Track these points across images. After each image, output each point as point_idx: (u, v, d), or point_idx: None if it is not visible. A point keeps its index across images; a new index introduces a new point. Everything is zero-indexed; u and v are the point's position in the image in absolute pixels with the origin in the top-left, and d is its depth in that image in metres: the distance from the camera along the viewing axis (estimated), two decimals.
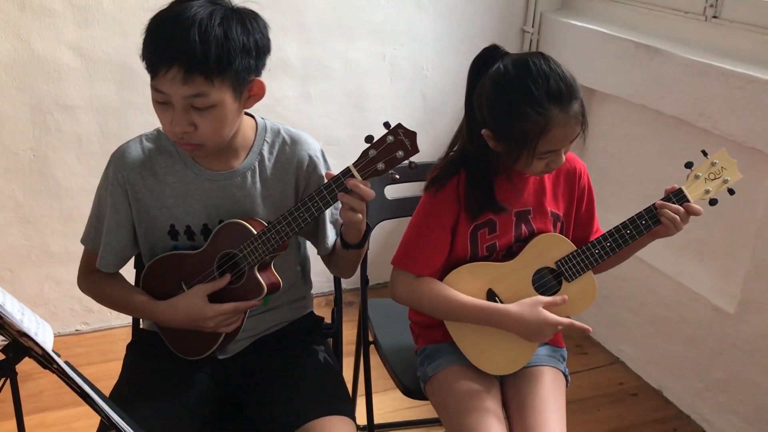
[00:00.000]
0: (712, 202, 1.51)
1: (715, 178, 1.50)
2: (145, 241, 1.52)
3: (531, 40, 2.90)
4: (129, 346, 1.62)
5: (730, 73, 2.07)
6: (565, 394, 1.57)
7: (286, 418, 1.42)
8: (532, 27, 2.89)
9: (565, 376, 1.61)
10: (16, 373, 1.06)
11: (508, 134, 1.41)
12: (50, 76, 2.37)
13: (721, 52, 2.20)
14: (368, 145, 1.32)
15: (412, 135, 1.30)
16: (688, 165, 1.51)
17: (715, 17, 2.24)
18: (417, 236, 1.53)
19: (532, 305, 1.49)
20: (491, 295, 1.53)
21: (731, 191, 1.52)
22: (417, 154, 1.31)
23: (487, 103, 1.42)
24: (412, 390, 1.65)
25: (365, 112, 2.81)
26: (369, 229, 1.50)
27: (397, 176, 1.35)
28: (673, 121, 2.32)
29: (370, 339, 1.85)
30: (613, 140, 2.64)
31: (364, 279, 1.84)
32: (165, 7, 1.32)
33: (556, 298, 1.51)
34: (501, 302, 1.52)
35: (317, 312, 1.70)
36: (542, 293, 1.54)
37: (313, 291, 1.70)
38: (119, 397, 1.45)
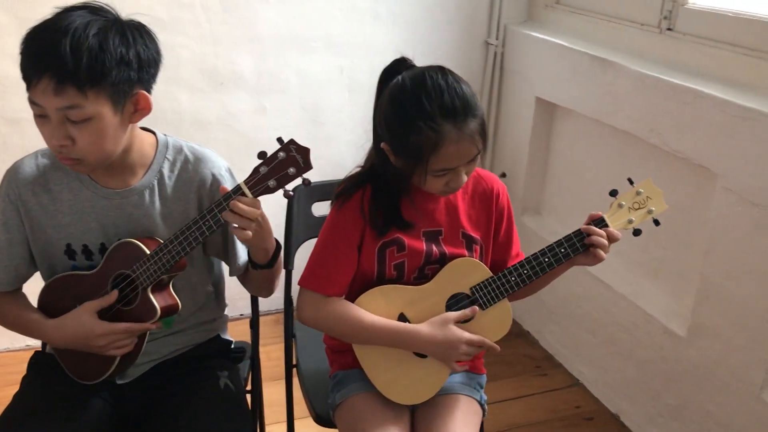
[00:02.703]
0: (636, 232, 1.44)
1: (639, 208, 1.43)
2: (42, 260, 1.47)
3: (495, 53, 2.83)
4: (29, 367, 1.56)
5: (679, 88, 2.00)
6: (479, 425, 1.50)
7: None
8: (496, 39, 2.81)
9: (482, 406, 1.53)
10: None
11: (403, 148, 1.35)
12: None
13: (674, 65, 2.12)
14: (260, 161, 1.26)
15: (304, 151, 1.25)
16: (613, 193, 1.44)
17: (669, 29, 2.17)
18: (323, 254, 1.47)
19: (441, 323, 1.43)
20: (403, 320, 1.46)
21: (656, 222, 1.44)
22: (311, 171, 1.26)
23: (385, 116, 1.37)
24: (324, 417, 1.58)
25: (323, 125, 2.76)
26: (279, 248, 1.45)
27: (291, 193, 1.29)
28: (625, 136, 2.25)
29: (294, 363, 1.78)
30: (575, 155, 2.56)
31: (288, 300, 1.78)
32: (45, 18, 1.27)
33: (466, 311, 1.44)
34: None
35: (242, 335, 1.64)
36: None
37: (241, 313, 1.63)
38: (10, 419, 1.40)
